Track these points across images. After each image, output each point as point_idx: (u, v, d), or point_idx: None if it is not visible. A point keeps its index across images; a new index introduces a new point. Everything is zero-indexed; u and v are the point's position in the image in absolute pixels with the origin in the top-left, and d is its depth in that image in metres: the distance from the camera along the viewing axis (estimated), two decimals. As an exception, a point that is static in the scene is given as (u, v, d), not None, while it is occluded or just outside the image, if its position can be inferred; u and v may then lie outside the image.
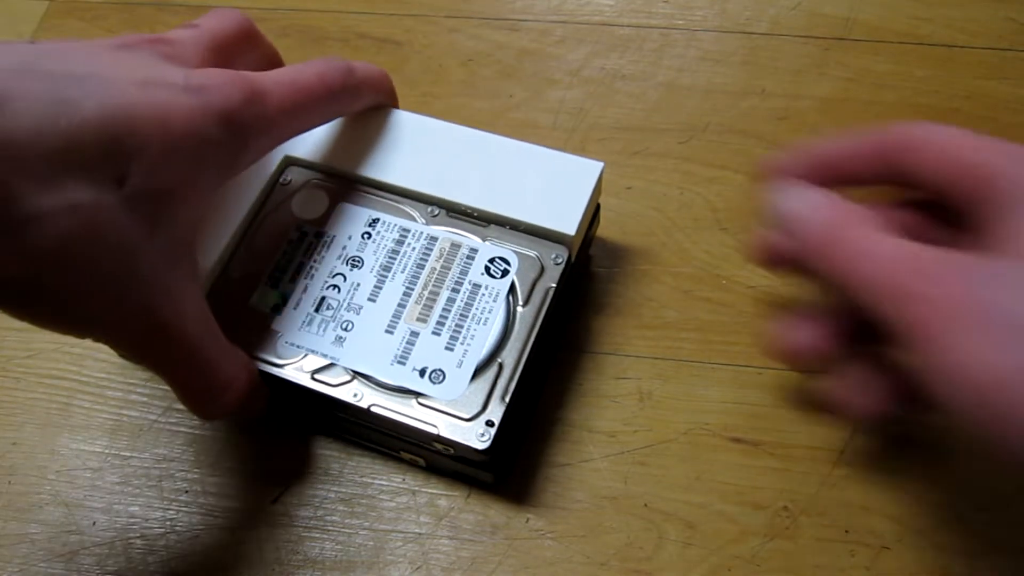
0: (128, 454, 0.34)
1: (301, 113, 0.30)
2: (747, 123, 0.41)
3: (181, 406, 0.34)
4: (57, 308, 0.24)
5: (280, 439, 0.34)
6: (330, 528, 0.32)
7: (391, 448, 0.33)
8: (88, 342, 0.36)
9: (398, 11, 0.45)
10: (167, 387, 0.35)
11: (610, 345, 0.35)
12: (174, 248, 0.26)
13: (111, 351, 0.36)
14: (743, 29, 0.44)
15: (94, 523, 0.33)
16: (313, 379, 0.30)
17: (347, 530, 0.32)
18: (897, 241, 0.25)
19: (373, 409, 0.30)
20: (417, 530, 0.32)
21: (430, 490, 0.33)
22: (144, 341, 0.26)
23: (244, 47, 0.31)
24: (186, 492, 0.33)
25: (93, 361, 0.36)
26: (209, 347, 0.28)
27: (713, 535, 0.32)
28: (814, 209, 0.27)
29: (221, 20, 0.31)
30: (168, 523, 0.33)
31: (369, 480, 0.33)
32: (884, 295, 0.24)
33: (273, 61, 0.33)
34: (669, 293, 0.36)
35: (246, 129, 0.27)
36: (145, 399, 0.35)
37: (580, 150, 0.40)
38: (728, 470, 0.33)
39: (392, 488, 0.33)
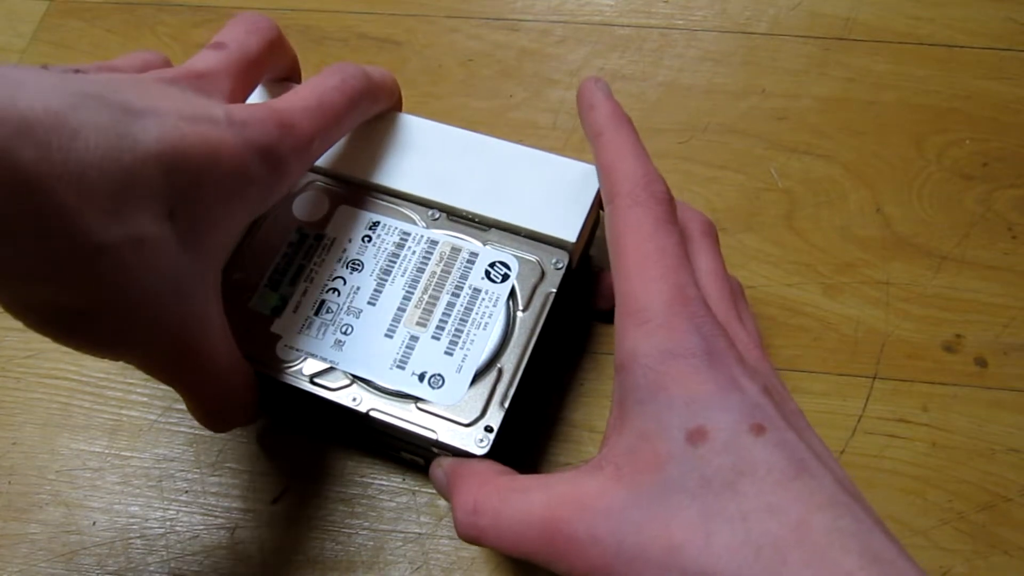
0: (128, 454, 0.34)
1: (331, 133, 0.30)
2: (747, 123, 0.41)
3: (181, 406, 0.34)
4: (103, 334, 0.24)
5: (280, 439, 0.34)
6: (330, 528, 0.32)
7: (391, 449, 0.33)
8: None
9: (398, 11, 0.45)
10: (167, 387, 0.35)
11: (610, 345, 0.35)
12: (205, 274, 0.26)
13: (111, 351, 0.36)
14: (743, 29, 0.44)
15: (94, 523, 0.33)
16: (312, 383, 0.30)
17: (347, 530, 0.32)
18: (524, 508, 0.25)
19: (372, 414, 0.29)
20: (417, 530, 0.32)
21: (430, 490, 0.33)
22: (171, 362, 0.26)
23: (271, 58, 0.31)
24: (186, 492, 0.33)
25: (93, 361, 0.36)
26: (227, 366, 0.28)
27: (713, 535, 0.31)
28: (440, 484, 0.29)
29: (248, 34, 0.30)
30: (168, 523, 0.33)
31: (369, 480, 0.33)
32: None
33: (293, 66, 0.34)
34: (669, 293, 0.36)
35: (283, 161, 0.27)
36: (145, 399, 0.35)
37: (580, 150, 0.40)
38: (728, 470, 0.33)
39: (392, 488, 0.33)
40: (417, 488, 0.33)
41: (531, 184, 0.33)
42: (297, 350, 0.31)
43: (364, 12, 0.45)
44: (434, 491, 0.33)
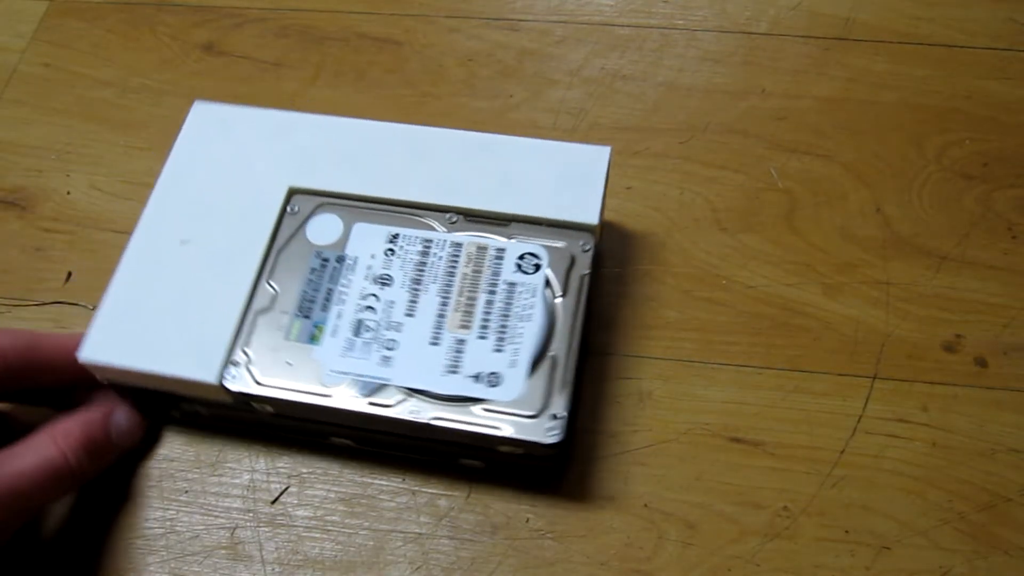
0: (128, 454, 0.34)
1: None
2: (747, 123, 0.41)
3: (182, 406, 0.34)
4: None
5: (280, 439, 0.34)
6: (330, 528, 0.32)
7: (449, 457, 0.32)
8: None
9: (398, 11, 0.45)
10: (166, 387, 0.35)
11: (610, 345, 0.35)
12: None
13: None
14: (743, 29, 0.44)
15: (94, 523, 0.33)
16: (369, 404, 0.30)
17: (347, 530, 0.32)
18: None
19: (435, 423, 0.29)
20: (417, 530, 0.32)
21: (430, 490, 0.33)
22: None
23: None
24: (186, 492, 0.33)
25: (93, 361, 0.36)
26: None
27: (713, 535, 0.31)
28: None
29: None
30: (168, 523, 0.33)
31: (369, 480, 0.33)
32: None
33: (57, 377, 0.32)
34: (669, 293, 0.36)
35: None
36: (145, 399, 0.35)
37: (580, 150, 0.40)
38: (728, 470, 0.33)
39: (392, 488, 0.33)
40: (417, 488, 0.33)
41: (541, 174, 0.33)
42: (343, 373, 0.30)
43: (364, 12, 0.45)
44: (434, 491, 0.33)
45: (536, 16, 0.45)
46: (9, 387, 0.31)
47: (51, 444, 0.30)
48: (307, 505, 0.33)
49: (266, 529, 0.32)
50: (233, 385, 0.30)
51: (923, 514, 0.32)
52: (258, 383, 0.30)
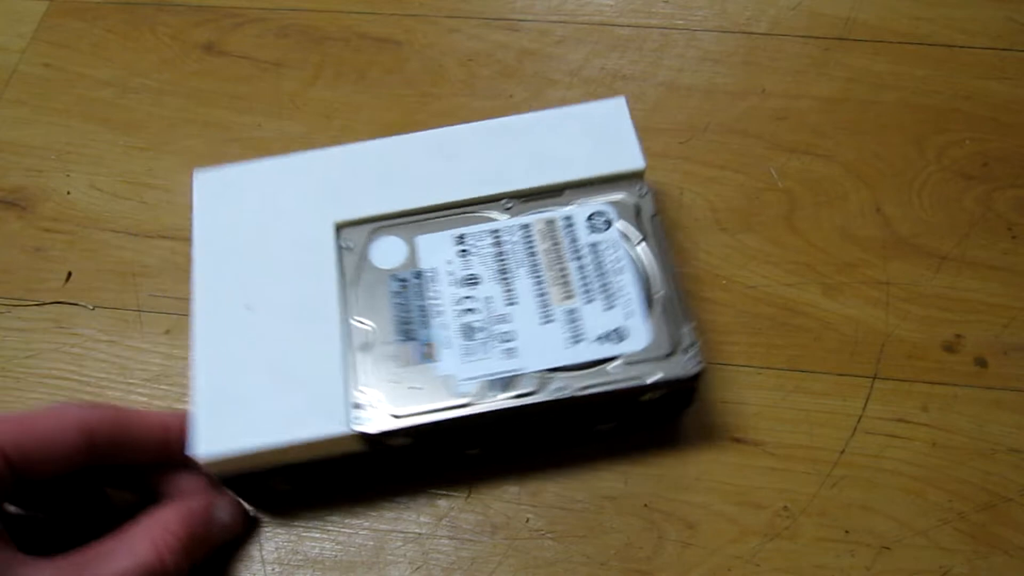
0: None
1: None
2: (747, 123, 0.41)
3: (181, 406, 0.34)
4: None
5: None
6: (330, 528, 0.32)
7: (585, 425, 0.32)
8: (88, 342, 0.36)
9: (398, 11, 0.45)
10: (167, 386, 0.35)
11: (610, 345, 0.35)
12: None
13: (110, 351, 0.36)
14: (743, 29, 0.44)
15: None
16: (513, 398, 0.29)
17: (347, 530, 0.32)
18: None
19: (584, 392, 0.29)
20: (417, 530, 0.32)
21: (430, 490, 0.33)
22: None
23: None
24: (186, 492, 0.33)
25: (93, 361, 0.36)
26: None
27: (713, 535, 0.32)
28: None
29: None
30: (168, 523, 0.33)
31: (369, 480, 0.33)
32: None
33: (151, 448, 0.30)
34: (669, 293, 0.36)
35: None
36: (145, 399, 0.35)
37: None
38: (728, 470, 0.33)
39: (392, 488, 0.33)
40: (417, 488, 0.33)
41: (572, 138, 0.34)
42: (475, 379, 0.30)
43: (364, 12, 0.45)
44: (434, 491, 0.33)
45: (536, 16, 0.45)
46: (95, 462, 0.29)
47: (149, 547, 0.27)
48: (307, 505, 0.33)
49: (266, 529, 0.32)
50: (368, 427, 0.29)
51: (923, 514, 0.32)
52: (394, 417, 0.29)
